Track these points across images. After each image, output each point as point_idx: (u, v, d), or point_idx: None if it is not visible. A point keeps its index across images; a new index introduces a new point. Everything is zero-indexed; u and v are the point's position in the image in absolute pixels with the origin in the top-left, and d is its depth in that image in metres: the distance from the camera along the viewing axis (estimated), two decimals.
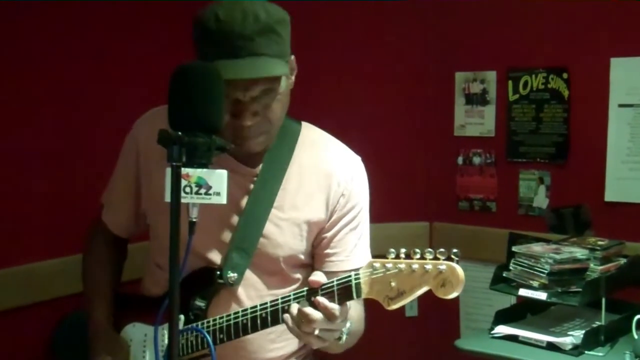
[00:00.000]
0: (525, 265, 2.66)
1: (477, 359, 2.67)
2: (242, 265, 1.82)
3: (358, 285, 1.59)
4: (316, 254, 1.90)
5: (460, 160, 3.46)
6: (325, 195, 1.86)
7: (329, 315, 1.60)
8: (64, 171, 2.91)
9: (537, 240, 2.84)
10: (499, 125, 3.34)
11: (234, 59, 1.63)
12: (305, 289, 1.67)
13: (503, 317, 2.73)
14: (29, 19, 2.75)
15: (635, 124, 2.96)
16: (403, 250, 1.56)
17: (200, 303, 1.83)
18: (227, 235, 1.83)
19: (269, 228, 1.83)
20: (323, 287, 1.64)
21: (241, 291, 1.83)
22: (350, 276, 1.61)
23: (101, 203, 2.11)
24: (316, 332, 1.62)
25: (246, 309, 1.75)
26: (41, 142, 2.83)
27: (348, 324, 1.73)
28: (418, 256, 1.54)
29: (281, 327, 1.74)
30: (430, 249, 1.53)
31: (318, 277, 1.66)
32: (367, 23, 3.44)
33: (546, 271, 2.58)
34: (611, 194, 3.03)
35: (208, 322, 1.80)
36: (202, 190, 1.46)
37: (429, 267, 1.51)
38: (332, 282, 1.63)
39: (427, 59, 3.49)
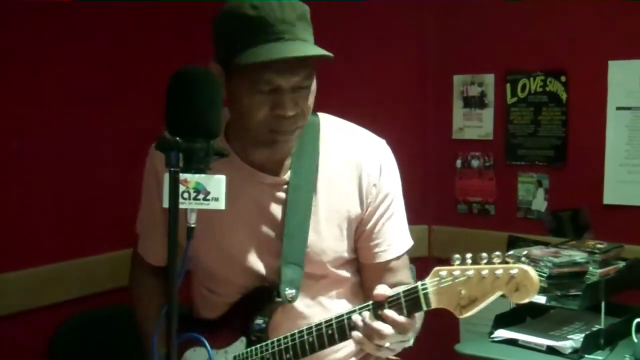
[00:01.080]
0: None
1: None
2: (297, 280, 1.78)
3: (426, 295, 1.56)
4: (358, 247, 1.86)
5: (458, 163, 3.45)
6: (357, 188, 1.82)
7: (399, 328, 1.58)
8: (64, 176, 2.91)
9: (536, 243, 2.83)
10: (498, 128, 3.34)
11: (280, 42, 1.60)
12: (371, 302, 1.63)
13: (502, 321, 2.73)
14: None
15: (634, 126, 2.97)
16: (469, 255, 1.52)
17: (261, 322, 1.79)
18: (272, 250, 1.79)
19: (311, 236, 1.79)
20: (390, 299, 1.60)
21: (298, 303, 1.80)
22: (416, 287, 1.57)
23: (137, 233, 2.05)
24: (387, 344, 1.60)
25: (310, 327, 1.71)
26: (41, 145, 2.83)
27: (414, 333, 1.69)
28: (485, 261, 1.50)
29: None
30: (498, 252, 1.49)
31: (382, 290, 1.63)
32: (365, 26, 3.43)
33: (545, 275, 2.58)
34: (610, 197, 3.03)
35: (272, 342, 1.76)
36: (201, 196, 1.44)
37: (499, 272, 1.47)
38: (399, 294, 1.59)
39: (425, 62, 3.49)
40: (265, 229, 1.80)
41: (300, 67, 1.64)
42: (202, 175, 1.43)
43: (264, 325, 1.79)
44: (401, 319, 1.58)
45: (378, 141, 1.89)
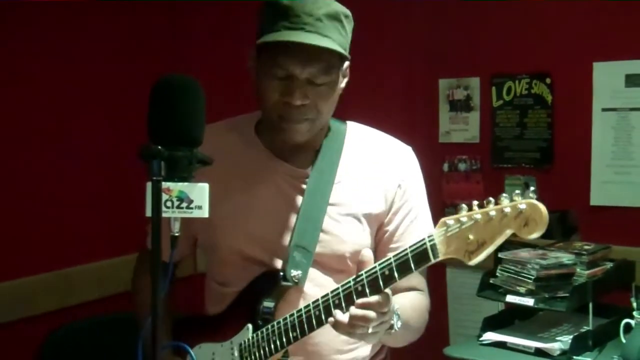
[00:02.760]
0: (512, 271, 2.66)
1: None
2: (304, 263, 1.79)
3: (434, 246, 1.51)
4: (380, 250, 1.85)
5: (445, 166, 3.46)
6: (382, 187, 1.85)
7: (378, 307, 1.55)
8: (53, 187, 2.91)
9: (523, 245, 2.83)
10: (484, 131, 3.34)
11: (301, 31, 1.66)
12: (377, 264, 1.59)
13: (491, 323, 2.73)
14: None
15: (619, 127, 2.98)
16: (475, 202, 1.48)
17: (269, 304, 1.79)
18: (286, 237, 1.82)
19: (328, 224, 1.81)
20: (396, 257, 1.56)
21: (309, 290, 1.80)
22: (423, 239, 1.53)
23: (145, 231, 2.04)
24: (370, 330, 1.58)
25: (317, 300, 1.68)
26: (35, 155, 2.83)
27: (394, 310, 1.65)
28: (492, 204, 1.45)
29: None
30: (505, 194, 1.44)
31: (368, 258, 1.61)
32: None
33: (533, 277, 2.58)
34: (596, 198, 3.04)
35: (278, 322, 1.75)
36: (184, 204, 1.44)
37: (507, 209, 1.41)
38: (406, 250, 1.55)
39: (411, 66, 3.49)
40: (283, 214, 1.83)
41: (316, 59, 1.69)
42: (185, 183, 1.44)
43: (272, 308, 1.79)
44: (372, 299, 1.56)
45: (404, 147, 1.95)
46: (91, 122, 3.03)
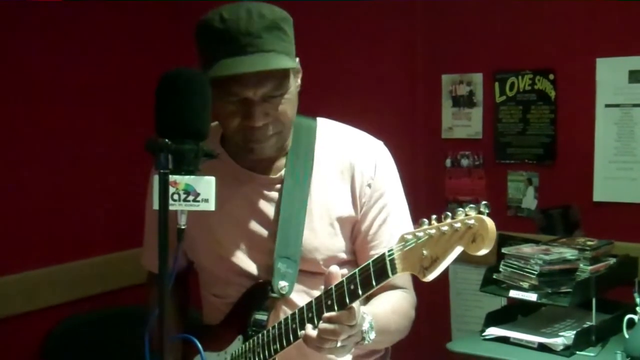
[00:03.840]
0: (515, 266, 2.66)
1: None
2: (291, 274, 1.78)
3: (392, 261, 1.49)
4: (357, 250, 1.86)
5: (448, 162, 3.46)
6: (350, 188, 1.83)
7: (345, 320, 1.53)
8: (55, 181, 2.91)
9: (527, 241, 2.84)
10: (487, 127, 3.34)
11: (243, 56, 1.63)
12: (344, 279, 1.57)
13: (494, 319, 2.74)
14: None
15: (622, 123, 2.97)
16: (434, 216, 1.45)
17: (260, 316, 1.79)
18: (265, 248, 1.81)
19: (304, 234, 1.80)
20: (360, 271, 1.55)
21: (296, 298, 1.80)
22: (383, 254, 1.51)
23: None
24: (339, 344, 1.56)
25: (294, 312, 1.68)
26: (35, 150, 2.84)
27: (368, 319, 1.63)
28: (449, 219, 1.42)
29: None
30: (461, 208, 1.41)
31: (334, 273, 1.59)
32: (354, 27, 3.43)
33: (536, 272, 2.58)
34: (599, 194, 3.04)
35: (262, 334, 1.75)
36: (190, 197, 1.45)
37: (457, 225, 1.39)
38: (369, 264, 1.53)
39: (414, 62, 3.48)
40: (258, 227, 1.81)
41: (267, 79, 1.66)
42: (192, 176, 1.44)
43: (264, 320, 1.79)
44: (337, 314, 1.53)
45: (374, 142, 1.90)
46: (96, 118, 3.04)
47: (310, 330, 1.58)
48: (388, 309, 1.77)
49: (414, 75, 3.49)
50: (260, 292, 1.81)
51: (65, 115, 2.93)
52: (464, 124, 3.40)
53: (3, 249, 2.74)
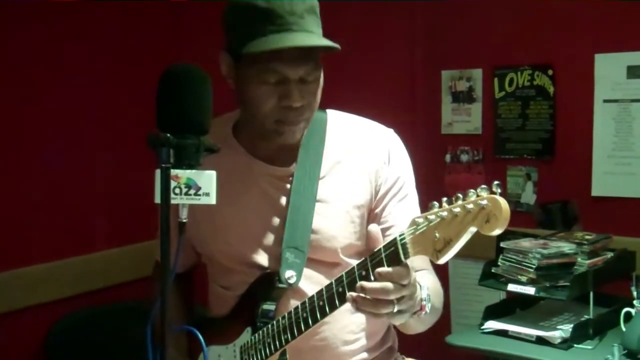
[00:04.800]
0: (514, 260, 2.68)
1: (468, 355, 2.70)
2: (298, 264, 1.78)
3: (404, 245, 1.47)
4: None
5: (448, 157, 3.48)
6: (366, 174, 1.83)
7: (397, 278, 1.49)
8: (56, 176, 2.93)
9: (525, 236, 2.86)
10: (486, 122, 3.36)
11: (288, 33, 1.64)
12: (355, 266, 1.57)
13: (493, 312, 2.76)
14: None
15: (620, 119, 2.99)
16: (444, 199, 1.44)
17: (268, 307, 1.80)
18: (276, 238, 1.81)
19: (318, 222, 1.80)
20: (371, 257, 1.53)
21: (306, 288, 1.79)
22: (395, 238, 1.50)
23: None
24: (392, 307, 1.51)
25: (304, 302, 1.67)
26: (35, 145, 2.85)
27: (426, 291, 1.62)
28: (460, 201, 1.40)
29: (359, 319, 1.71)
30: (472, 190, 1.39)
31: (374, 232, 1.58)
32: (353, 23, 3.45)
33: (534, 266, 2.60)
34: (598, 189, 3.06)
35: (272, 325, 1.75)
36: (192, 191, 1.45)
37: (470, 206, 1.37)
38: (380, 249, 1.52)
39: (413, 58, 3.50)
40: (271, 218, 1.82)
41: (307, 58, 1.67)
42: (193, 170, 1.45)
43: (272, 311, 1.79)
44: (389, 269, 1.49)
45: (386, 130, 1.91)
46: (96, 114, 3.05)
47: (360, 289, 1.53)
48: (430, 286, 1.71)
49: (413, 71, 3.50)
50: (267, 283, 1.81)
51: (65, 111, 2.94)
52: (463, 120, 3.41)
53: (4, 245, 2.75)
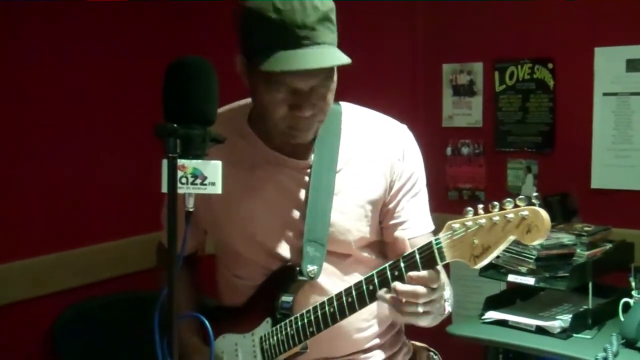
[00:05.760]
0: (514, 251, 2.70)
1: (468, 344, 2.72)
2: (319, 258, 1.81)
3: (440, 249, 1.54)
4: (383, 227, 1.88)
5: (449, 150, 3.51)
6: (381, 169, 1.84)
7: (429, 282, 1.55)
8: (62, 167, 2.95)
9: None
10: (487, 115, 3.39)
11: (299, 49, 1.62)
12: (387, 265, 1.62)
13: (493, 303, 2.79)
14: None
15: (620, 112, 3.02)
16: (480, 205, 1.50)
17: (287, 299, 1.82)
18: (296, 231, 1.83)
19: (333, 215, 1.82)
20: (405, 258, 1.59)
21: (322, 280, 1.82)
22: (430, 243, 1.56)
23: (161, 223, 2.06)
24: (420, 309, 1.57)
25: (331, 297, 1.72)
26: (42, 136, 2.88)
27: (448, 291, 1.68)
28: (497, 209, 1.47)
29: (371, 307, 1.73)
30: (509, 199, 1.46)
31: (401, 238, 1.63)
32: (354, 17, 3.46)
33: (534, 257, 2.63)
34: (597, 181, 3.09)
35: (295, 317, 1.78)
36: (198, 181, 1.48)
37: (510, 216, 1.44)
38: (414, 252, 1.58)
39: (415, 52, 3.53)
40: (289, 211, 1.83)
41: (319, 71, 1.66)
42: (199, 160, 1.48)
43: (291, 303, 1.82)
44: (423, 273, 1.55)
45: (400, 125, 1.93)
46: (104, 104, 3.07)
47: (385, 293, 1.60)
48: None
49: (415, 65, 3.53)
50: (288, 275, 1.82)
51: (72, 101, 2.97)
52: (464, 113, 3.44)
53: (13, 235, 2.78)
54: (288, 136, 1.75)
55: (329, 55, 1.66)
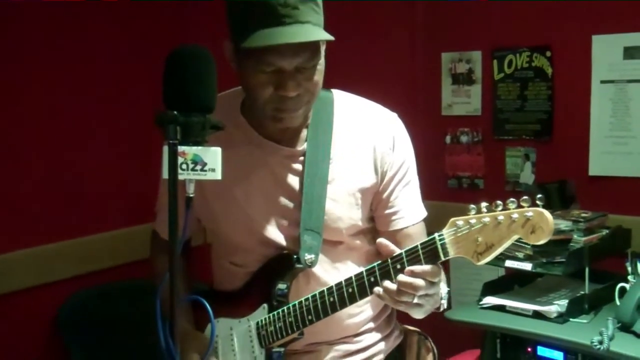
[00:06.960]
0: None
1: (467, 329, 2.75)
2: (316, 246, 1.83)
3: (444, 245, 1.58)
4: (376, 216, 1.91)
5: (448, 139, 3.53)
6: (372, 158, 1.87)
7: (430, 276, 1.61)
8: (66, 156, 2.97)
9: None
10: (485, 104, 3.41)
11: (280, 27, 1.63)
12: (389, 259, 1.66)
13: (491, 288, 2.82)
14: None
15: (617, 99, 3.04)
16: (484, 204, 1.53)
17: (282, 286, 1.85)
18: (290, 219, 1.85)
19: (327, 204, 1.84)
20: (408, 252, 1.63)
21: (315, 268, 1.85)
22: (434, 238, 1.60)
23: (155, 212, 2.09)
24: (415, 300, 1.63)
25: (331, 287, 1.75)
26: (43, 126, 2.90)
27: (446, 288, 1.74)
28: (500, 208, 1.51)
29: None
30: (513, 199, 1.50)
31: (390, 247, 1.67)
32: (354, 6, 3.48)
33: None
34: (595, 168, 3.11)
35: (294, 305, 1.81)
36: (198, 167, 1.51)
37: (515, 216, 1.49)
38: (417, 246, 1.62)
39: (413, 40, 3.55)
40: (283, 199, 1.85)
41: (302, 49, 1.67)
42: (199, 147, 1.51)
43: (286, 290, 1.85)
44: (425, 267, 1.60)
45: (390, 114, 1.94)
46: (105, 94, 3.09)
47: (389, 284, 1.64)
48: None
49: (414, 53, 3.55)
50: (285, 263, 1.85)
51: (76, 90, 2.99)
52: (463, 101, 3.47)
53: (16, 224, 2.81)
54: (275, 120, 1.77)
55: (310, 31, 1.67)
